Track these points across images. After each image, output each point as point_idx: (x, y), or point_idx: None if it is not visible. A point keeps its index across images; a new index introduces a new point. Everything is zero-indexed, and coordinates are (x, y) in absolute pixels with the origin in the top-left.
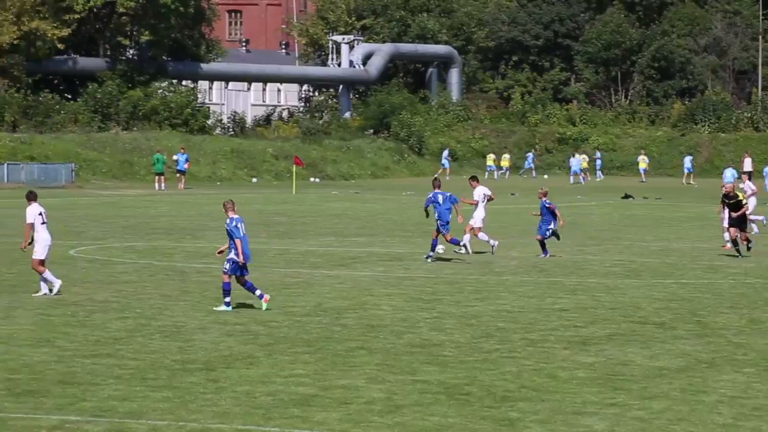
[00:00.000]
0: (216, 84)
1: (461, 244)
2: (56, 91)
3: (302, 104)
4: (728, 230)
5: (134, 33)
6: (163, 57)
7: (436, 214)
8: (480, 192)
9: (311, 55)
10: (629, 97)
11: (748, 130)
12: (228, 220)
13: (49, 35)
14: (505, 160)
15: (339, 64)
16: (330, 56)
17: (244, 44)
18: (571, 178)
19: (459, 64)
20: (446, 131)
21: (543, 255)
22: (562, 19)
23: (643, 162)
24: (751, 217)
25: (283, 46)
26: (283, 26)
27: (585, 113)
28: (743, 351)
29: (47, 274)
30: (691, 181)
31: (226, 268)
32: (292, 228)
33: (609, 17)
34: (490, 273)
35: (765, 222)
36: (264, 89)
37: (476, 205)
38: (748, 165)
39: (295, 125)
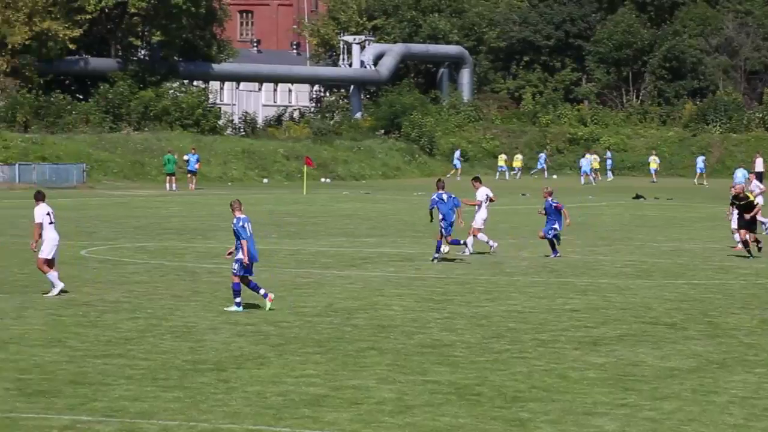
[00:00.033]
0: (227, 84)
1: (461, 242)
2: (68, 91)
3: (313, 105)
4: (738, 231)
5: (146, 33)
6: (175, 57)
7: (441, 215)
8: (483, 193)
9: (322, 56)
10: (640, 98)
11: (760, 131)
12: (235, 220)
13: (61, 36)
14: (518, 161)
15: (350, 65)
16: (341, 56)
17: (255, 44)
18: (582, 178)
19: (470, 65)
20: (457, 132)
21: (553, 255)
22: (574, 20)
23: (654, 162)
24: (759, 218)
25: (295, 47)
26: (295, 26)
27: (596, 113)
28: (754, 351)
29: (51, 275)
30: (704, 182)
31: (235, 269)
32: (302, 228)
33: (620, 17)
34: (501, 273)
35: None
36: (275, 90)
37: (479, 206)
38: (759, 165)
39: (306, 126)
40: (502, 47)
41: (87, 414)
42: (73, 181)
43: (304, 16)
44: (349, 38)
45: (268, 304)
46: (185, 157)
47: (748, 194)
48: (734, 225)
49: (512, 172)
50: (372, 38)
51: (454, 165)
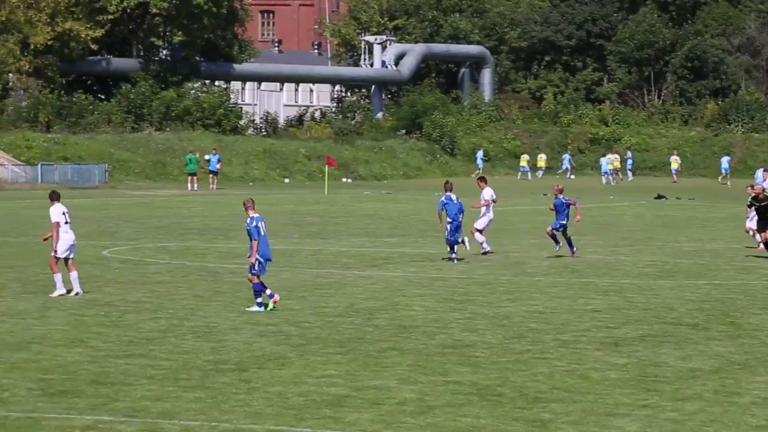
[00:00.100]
0: (249, 84)
1: (461, 241)
2: (90, 91)
3: (334, 104)
4: (758, 233)
5: (167, 33)
6: (196, 57)
7: (449, 215)
8: (489, 193)
9: (343, 56)
10: (662, 97)
11: None
12: (248, 220)
13: (83, 36)
14: (541, 161)
15: (371, 65)
16: (362, 56)
17: (276, 44)
18: (603, 178)
19: (491, 65)
20: (478, 132)
21: (557, 248)
22: (595, 19)
23: (675, 162)
24: None
25: (316, 47)
26: (316, 26)
27: (618, 113)
28: None
29: (57, 276)
30: (727, 182)
31: (254, 269)
32: (324, 228)
33: (642, 17)
34: (522, 274)
35: None
36: (296, 89)
37: (487, 206)
38: None
39: (328, 125)
40: (523, 47)
41: (109, 414)
42: (95, 181)
43: (326, 16)
44: (371, 38)
45: (271, 305)
46: (206, 157)
47: None
48: (749, 224)
49: (537, 173)
50: (393, 38)
51: (478, 164)
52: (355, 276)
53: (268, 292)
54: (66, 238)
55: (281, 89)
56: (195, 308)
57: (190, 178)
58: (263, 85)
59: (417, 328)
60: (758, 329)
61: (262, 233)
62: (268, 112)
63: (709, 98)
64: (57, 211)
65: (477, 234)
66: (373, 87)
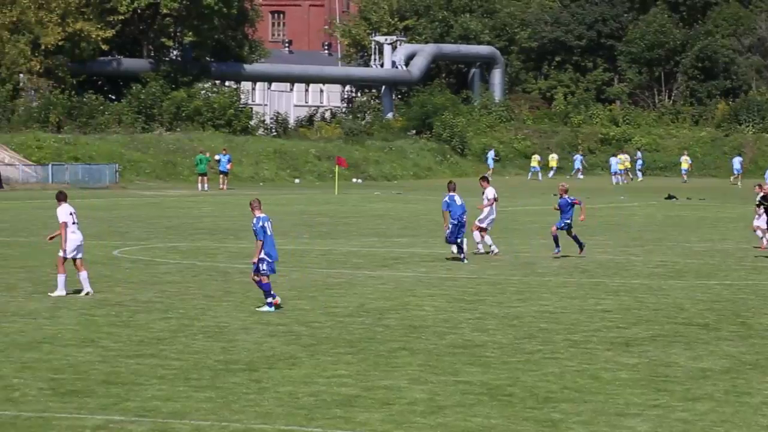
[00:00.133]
0: (259, 85)
1: (458, 242)
2: (100, 92)
3: (345, 105)
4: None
5: (178, 34)
6: (207, 58)
7: (452, 216)
8: (492, 192)
9: (354, 56)
10: (673, 98)
11: None
12: (255, 220)
13: (94, 36)
14: (553, 161)
15: (381, 65)
16: (372, 57)
17: (286, 45)
18: (613, 178)
19: (501, 65)
20: (489, 132)
21: (556, 251)
22: (606, 20)
23: (685, 162)
24: None
25: (326, 47)
26: (326, 27)
27: (628, 114)
28: None
29: (62, 277)
30: (738, 182)
31: (263, 270)
32: (334, 228)
33: (652, 17)
34: (533, 274)
35: None
36: (307, 90)
37: (491, 205)
38: None
39: (338, 126)
40: (533, 47)
41: (120, 414)
42: (106, 182)
43: (336, 17)
44: (381, 38)
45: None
46: (216, 157)
47: None
48: (756, 223)
49: (548, 173)
50: (403, 38)
51: (489, 165)
52: (365, 276)
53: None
54: (73, 238)
55: (291, 89)
56: (205, 308)
57: (200, 178)
58: (273, 85)
59: (427, 328)
60: None
61: (269, 233)
62: (278, 113)
63: (719, 98)
64: (64, 212)
65: (476, 232)
66: (384, 87)
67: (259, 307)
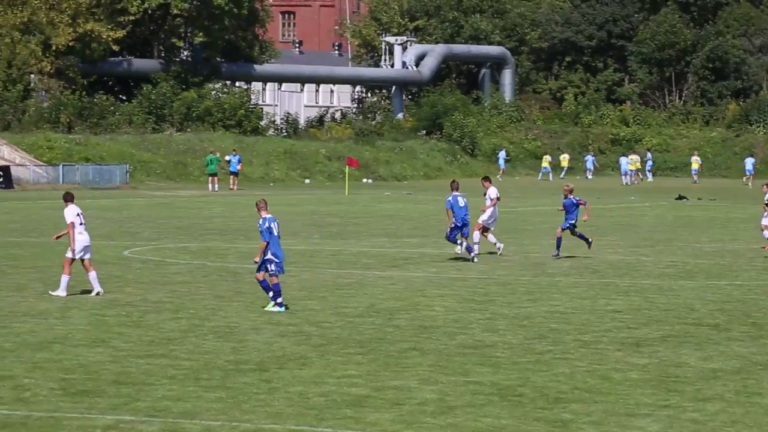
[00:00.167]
0: (269, 85)
1: (459, 243)
2: (111, 92)
3: (355, 105)
4: None
5: (188, 34)
6: (217, 58)
7: (455, 217)
8: (494, 192)
9: (364, 56)
10: (683, 98)
11: None
12: (261, 221)
13: (104, 37)
14: (564, 161)
15: (392, 65)
16: (383, 57)
17: (297, 45)
18: (623, 178)
19: (512, 65)
20: (499, 132)
21: (556, 253)
22: (616, 20)
23: (695, 162)
24: None
25: (336, 48)
26: (336, 27)
27: (638, 114)
28: None
29: (65, 278)
30: (748, 183)
31: (271, 270)
32: (344, 229)
33: (663, 18)
34: (543, 274)
35: None
36: (317, 90)
37: (494, 205)
38: None
39: (348, 126)
40: (544, 48)
41: (130, 414)
42: (116, 182)
43: (346, 17)
44: (391, 39)
45: (269, 305)
46: (227, 158)
47: None
48: (764, 222)
49: (560, 175)
50: (414, 39)
51: (500, 165)
52: (375, 276)
53: (270, 294)
54: (81, 239)
55: (302, 90)
56: (216, 308)
57: (210, 178)
58: (284, 85)
59: (437, 328)
60: None
61: (275, 233)
62: (288, 113)
63: (730, 99)
64: (72, 212)
65: (476, 232)
66: (394, 88)
67: (264, 306)
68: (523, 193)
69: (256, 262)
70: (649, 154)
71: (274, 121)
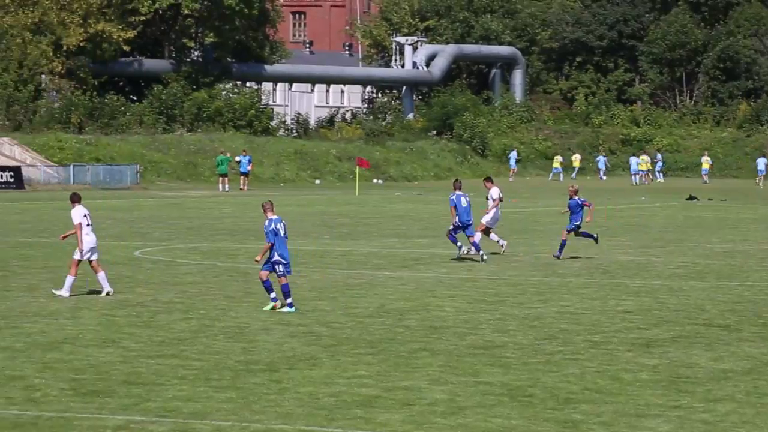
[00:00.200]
0: (280, 85)
1: (459, 245)
2: (122, 92)
3: (365, 105)
4: None
5: (199, 35)
6: (228, 59)
7: (457, 216)
8: (496, 192)
9: (374, 57)
10: (694, 98)
11: None
12: (267, 222)
13: (115, 37)
14: (576, 161)
15: (402, 66)
16: (393, 57)
17: (307, 46)
18: (633, 178)
19: (522, 65)
20: (509, 133)
21: (558, 254)
22: (627, 20)
23: (705, 163)
24: None
25: (347, 48)
26: (347, 27)
27: (649, 114)
28: None
29: (70, 279)
30: (760, 184)
31: (280, 271)
32: (354, 229)
33: (674, 18)
34: (553, 275)
35: None
36: (327, 90)
37: (496, 206)
38: None
39: (358, 127)
40: (554, 48)
41: (140, 414)
42: (127, 182)
43: (357, 17)
44: (402, 39)
45: (269, 306)
46: (237, 159)
47: None
48: None
49: (572, 175)
50: (424, 39)
51: (511, 166)
52: (385, 277)
53: (272, 295)
54: (87, 240)
55: (312, 90)
56: (226, 309)
57: (221, 179)
58: (294, 86)
59: (448, 328)
60: None
61: (281, 235)
62: (299, 113)
63: (741, 99)
64: (79, 213)
65: (478, 233)
66: (404, 88)
67: (265, 306)
68: (533, 193)
69: (257, 261)
70: (659, 155)
71: (285, 121)
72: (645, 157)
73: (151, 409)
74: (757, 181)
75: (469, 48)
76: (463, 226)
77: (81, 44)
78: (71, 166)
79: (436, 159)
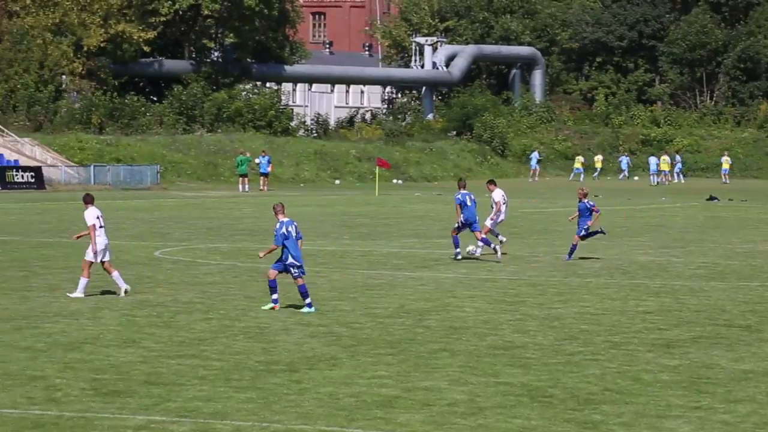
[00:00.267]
0: (299, 86)
1: (464, 249)
2: (142, 93)
3: (385, 106)
4: None
5: (219, 35)
6: (248, 59)
7: (463, 216)
8: (499, 194)
9: (394, 57)
10: (714, 98)
11: None
12: (278, 224)
13: (135, 38)
14: (598, 162)
15: (422, 66)
16: (413, 58)
17: (327, 46)
18: (651, 178)
19: (542, 66)
20: (529, 133)
21: (567, 258)
22: (647, 20)
23: (726, 163)
24: None
25: (367, 48)
26: (367, 28)
27: (669, 114)
28: None
29: (84, 281)
30: None
31: (294, 273)
32: (374, 230)
33: (694, 18)
34: (573, 275)
35: None
36: (347, 91)
37: (499, 209)
38: None
39: (378, 127)
40: (574, 48)
41: (161, 414)
42: (147, 183)
43: (376, 18)
44: (421, 39)
45: (268, 306)
46: (256, 160)
47: None
48: None
49: (593, 175)
50: (444, 39)
51: (532, 166)
52: (405, 277)
53: (274, 296)
54: (99, 241)
55: (332, 91)
56: (246, 309)
57: (241, 179)
58: (314, 86)
59: (468, 329)
60: None
61: (293, 236)
62: (319, 114)
63: (761, 99)
64: (92, 215)
65: (485, 228)
66: (424, 88)
67: (264, 306)
68: (553, 193)
69: (261, 257)
70: (678, 157)
71: (305, 121)
72: (666, 158)
73: (171, 410)
74: None
75: (489, 48)
76: (468, 225)
77: (101, 45)
78: (92, 167)
79: (455, 159)
